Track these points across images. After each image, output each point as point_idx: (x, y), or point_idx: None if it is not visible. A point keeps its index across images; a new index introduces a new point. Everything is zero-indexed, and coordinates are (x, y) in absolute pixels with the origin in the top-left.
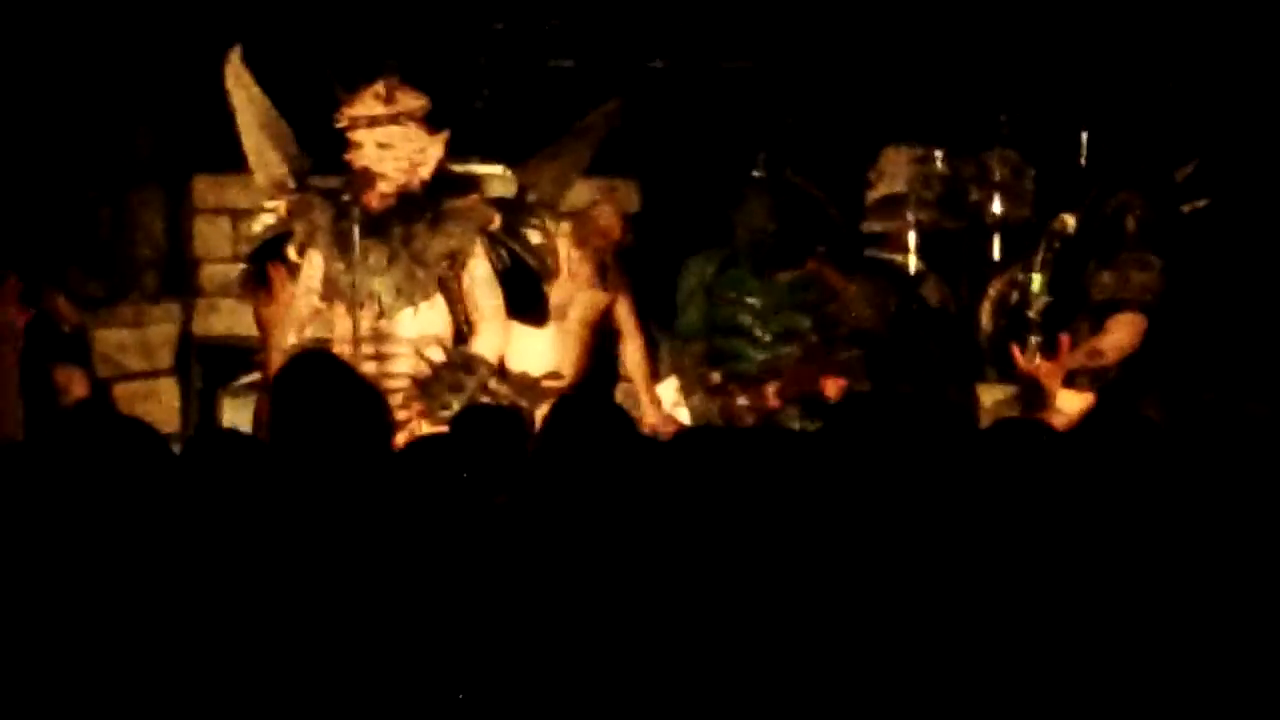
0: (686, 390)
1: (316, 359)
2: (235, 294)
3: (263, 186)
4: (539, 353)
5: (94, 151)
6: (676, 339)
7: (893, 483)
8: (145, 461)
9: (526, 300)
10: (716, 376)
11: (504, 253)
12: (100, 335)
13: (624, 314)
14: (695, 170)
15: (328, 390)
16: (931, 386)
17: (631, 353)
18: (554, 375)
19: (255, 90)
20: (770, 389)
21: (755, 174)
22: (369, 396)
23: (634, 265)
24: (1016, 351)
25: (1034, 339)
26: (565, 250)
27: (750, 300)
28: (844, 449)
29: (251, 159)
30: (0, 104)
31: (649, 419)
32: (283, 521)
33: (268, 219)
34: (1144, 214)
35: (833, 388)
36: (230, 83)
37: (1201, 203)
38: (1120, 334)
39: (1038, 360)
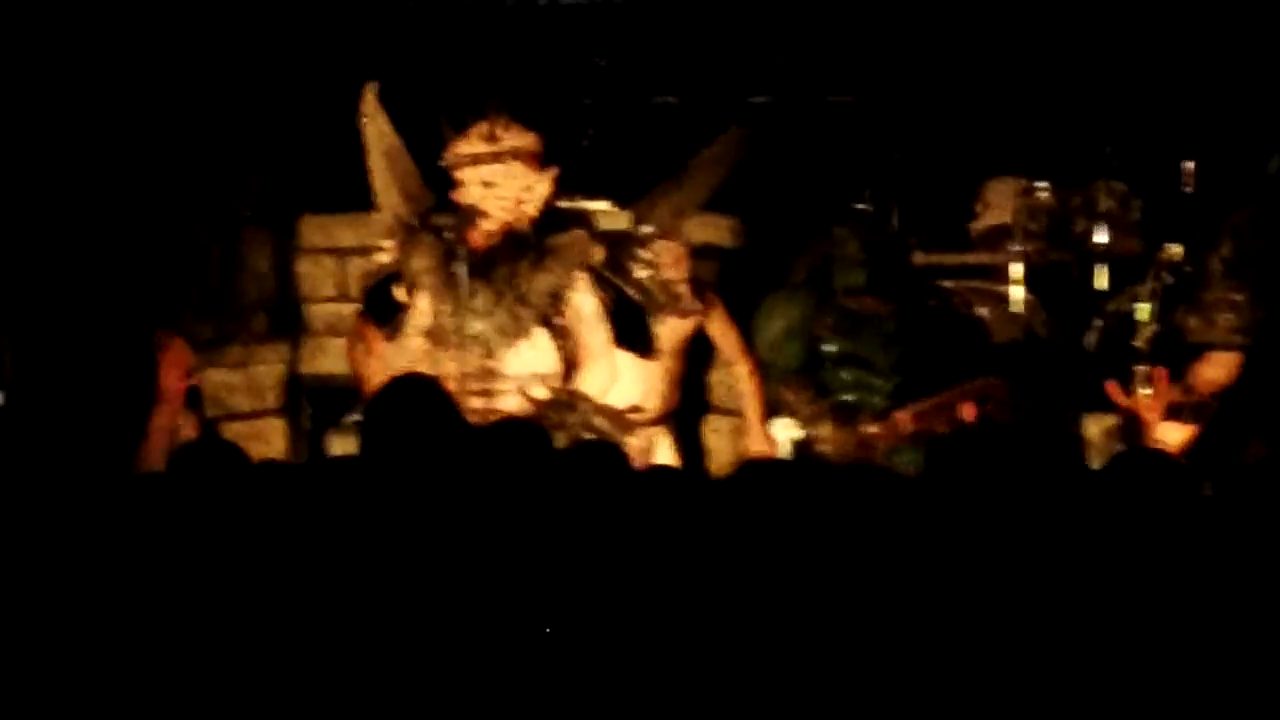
0: (807, 421)
1: (413, 383)
2: (343, 333)
3: (386, 225)
4: (631, 384)
5: (205, 195)
6: (774, 377)
7: (997, 517)
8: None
9: (633, 334)
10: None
11: (610, 289)
12: (208, 376)
13: (724, 339)
14: (798, 206)
15: (422, 415)
16: (1043, 418)
17: (741, 379)
18: (636, 409)
19: (387, 126)
20: (904, 416)
21: (858, 206)
22: (459, 423)
23: (733, 300)
24: (1113, 387)
25: (1141, 369)
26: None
27: (861, 335)
28: (946, 486)
29: (379, 197)
30: (113, 149)
31: (756, 447)
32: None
33: (382, 258)
34: (1235, 247)
35: (970, 413)
36: (364, 120)
37: None
38: (1212, 371)
39: (1140, 393)
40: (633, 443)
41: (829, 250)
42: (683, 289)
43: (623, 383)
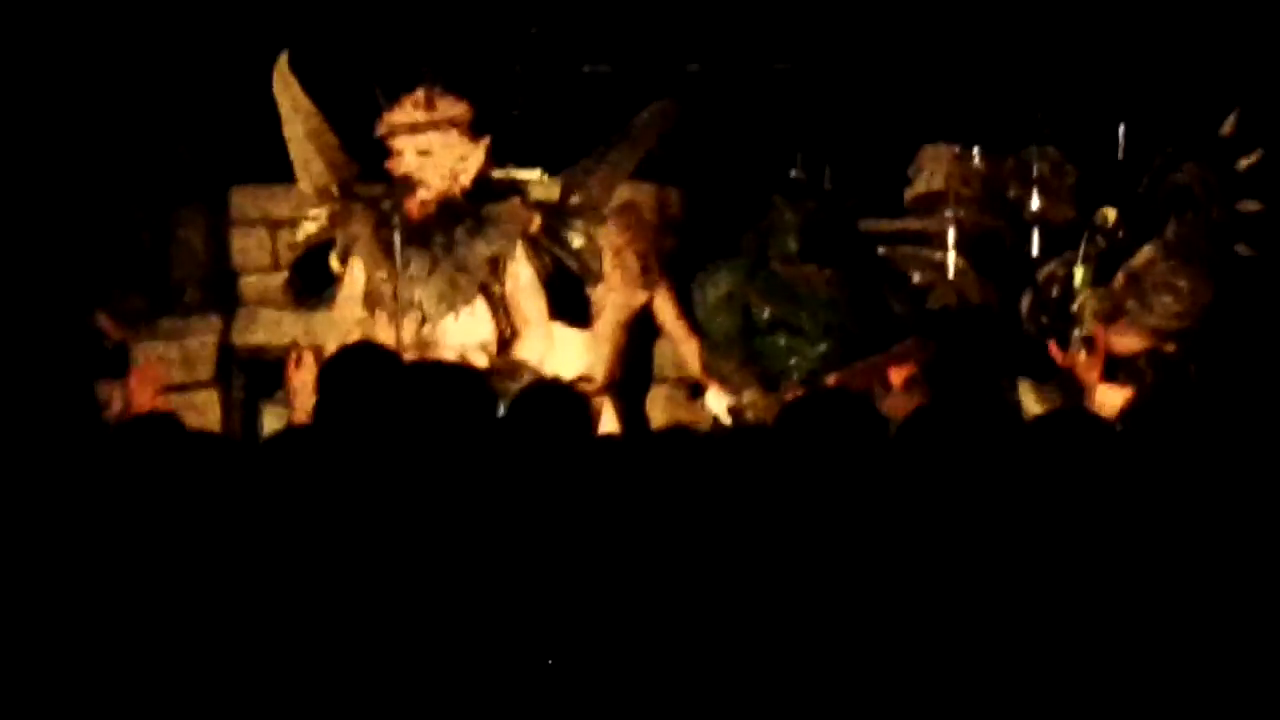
0: (735, 388)
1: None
2: (275, 304)
3: (307, 194)
4: (576, 353)
5: (135, 169)
6: (709, 346)
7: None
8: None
9: (569, 304)
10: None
11: (546, 257)
12: (141, 348)
13: (670, 315)
14: (732, 175)
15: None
16: (975, 385)
17: (691, 354)
18: (586, 379)
19: (302, 97)
20: (830, 380)
21: (792, 174)
22: (417, 386)
23: (677, 270)
24: (1054, 346)
25: (1077, 333)
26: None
27: (794, 301)
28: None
29: (297, 166)
30: (41, 125)
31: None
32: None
33: (309, 227)
34: (1178, 227)
35: (898, 376)
36: (278, 89)
37: (1255, 156)
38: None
39: (1078, 354)
40: None
41: (766, 219)
42: (633, 261)
43: (561, 353)
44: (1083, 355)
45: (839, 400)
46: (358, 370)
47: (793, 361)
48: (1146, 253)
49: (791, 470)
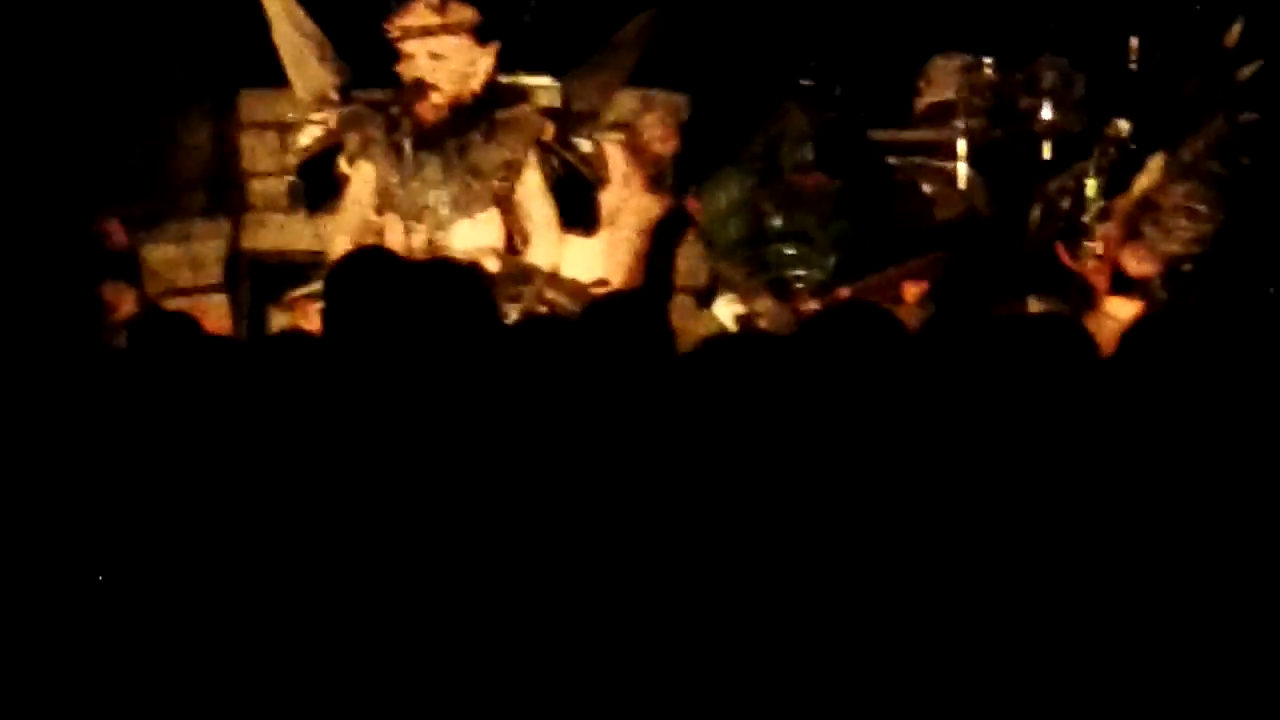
0: (745, 296)
1: (372, 255)
2: (284, 208)
3: (304, 99)
4: (591, 260)
5: (138, 72)
6: (717, 253)
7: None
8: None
9: (579, 209)
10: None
11: (556, 162)
12: (149, 252)
13: (679, 222)
14: (742, 81)
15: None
16: (985, 295)
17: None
18: (602, 282)
19: (291, 3)
20: (844, 292)
21: (803, 82)
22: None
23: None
24: (1062, 250)
25: (1088, 243)
26: (618, 158)
27: (805, 210)
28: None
29: (290, 71)
30: (36, 31)
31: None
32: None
33: (315, 131)
34: (1197, 148)
35: (912, 292)
36: None
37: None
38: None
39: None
40: None
41: (778, 126)
42: (654, 168)
43: (589, 256)
44: (1092, 263)
45: (863, 314)
46: (365, 275)
47: (802, 272)
48: (1155, 172)
49: (811, 385)
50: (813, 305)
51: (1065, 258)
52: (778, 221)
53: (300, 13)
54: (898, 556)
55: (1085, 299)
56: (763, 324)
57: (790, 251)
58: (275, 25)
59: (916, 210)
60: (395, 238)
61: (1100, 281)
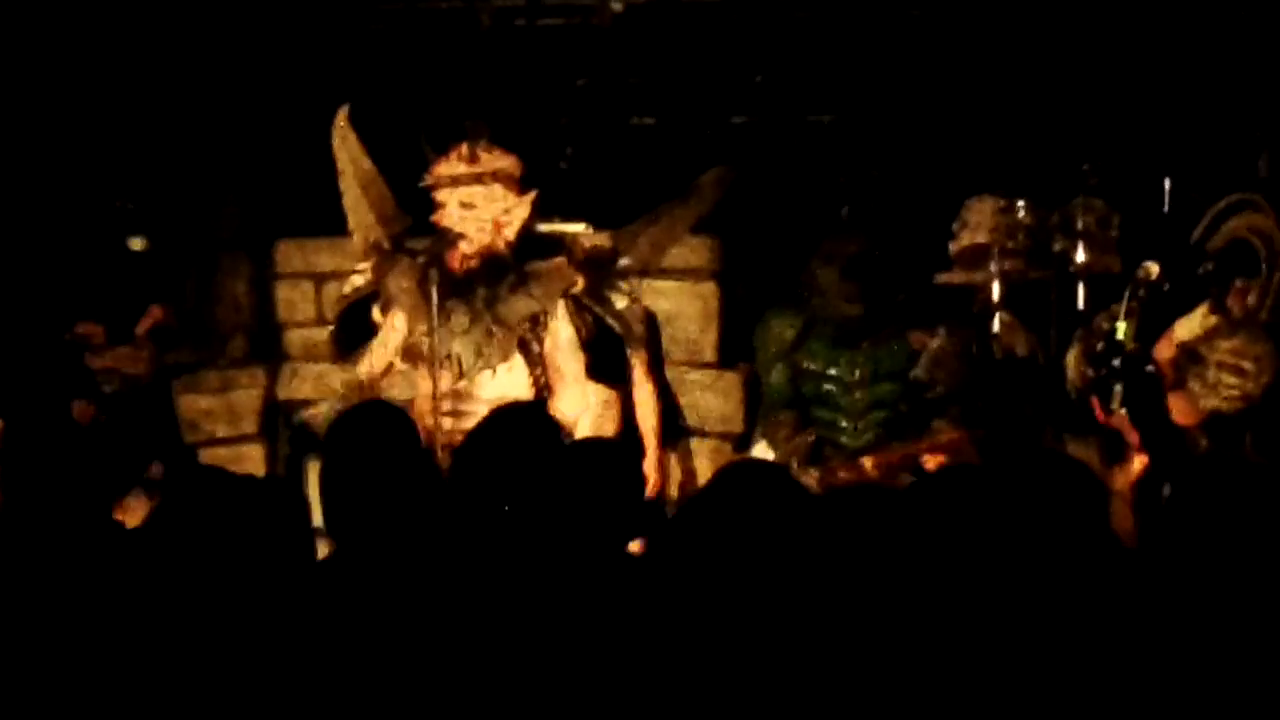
0: (784, 456)
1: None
2: (320, 357)
3: (359, 248)
4: (612, 416)
5: (181, 220)
6: (764, 408)
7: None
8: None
9: (609, 364)
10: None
11: (588, 316)
12: (186, 401)
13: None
14: (779, 225)
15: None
16: (1022, 439)
17: (640, 401)
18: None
19: (359, 151)
20: (868, 462)
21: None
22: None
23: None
24: (1096, 403)
25: (1119, 388)
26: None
27: (835, 372)
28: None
29: (351, 220)
30: (91, 174)
31: (651, 476)
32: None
33: (356, 280)
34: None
35: (933, 464)
36: (336, 143)
37: None
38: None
39: (1120, 411)
40: None
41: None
42: None
43: (596, 413)
44: (1125, 416)
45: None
46: (368, 430)
47: (843, 441)
48: (1200, 319)
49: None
50: (843, 475)
51: (1099, 411)
52: (811, 384)
53: (368, 162)
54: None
55: (1117, 445)
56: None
57: (825, 416)
58: (342, 173)
59: (954, 356)
60: (424, 387)
61: (1134, 436)
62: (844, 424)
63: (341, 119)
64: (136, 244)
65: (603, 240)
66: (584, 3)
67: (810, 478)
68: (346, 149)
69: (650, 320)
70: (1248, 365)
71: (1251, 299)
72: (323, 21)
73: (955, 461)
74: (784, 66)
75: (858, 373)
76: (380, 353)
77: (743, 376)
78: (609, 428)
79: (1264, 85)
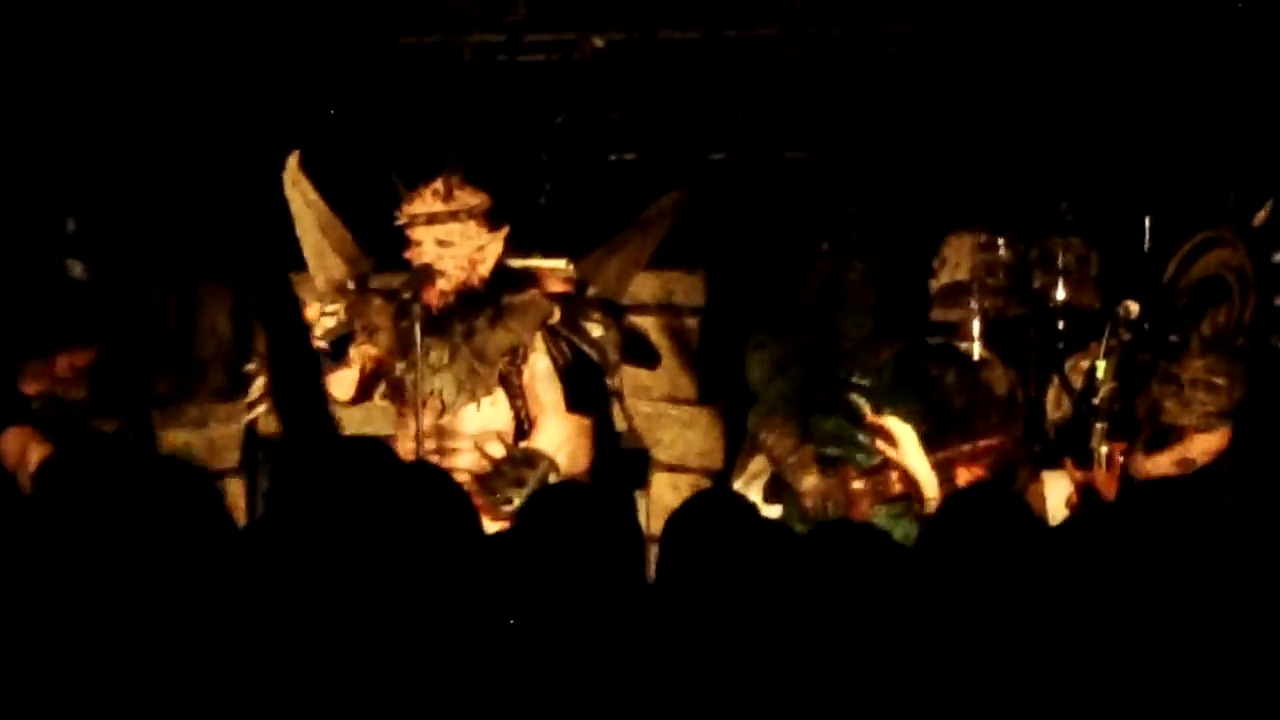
0: (795, 472)
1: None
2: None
3: (323, 290)
4: (591, 446)
5: (161, 251)
6: (763, 417)
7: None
8: None
9: (587, 394)
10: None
11: (565, 346)
12: (167, 435)
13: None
14: (759, 260)
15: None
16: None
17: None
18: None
19: (313, 194)
20: (894, 474)
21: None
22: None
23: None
24: (1070, 463)
25: (1099, 426)
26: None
27: (860, 381)
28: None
29: (310, 263)
30: (69, 204)
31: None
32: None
33: (328, 323)
34: (1215, 323)
35: (965, 476)
36: (288, 188)
37: None
38: (1206, 442)
39: (1101, 458)
40: None
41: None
42: None
43: (577, 442)
44: (1101, 472)
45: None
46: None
47: (859, 457)
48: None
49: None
50: (859, 485)
51: (1071, 470)
52: (829, 395)
53: (323, 205)
54: None
55: (1092, 501)
56: (807, 503)
57: (838, 432)
58: (297, 218)
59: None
60: (405, 423)
61: (1110, 491)
62: (864, 439)
63: (292, 165)
64: (76, 269)
65: (568, 271)
66: (565, 39)
67: (812, 477)
68: (300, 193)
69: (633, 338)
70: (1220, 381)
71: (1221, 317)
72: (303, 56)
73: (996, 469)
74: (762, 102)
75: (880, 381)
76: (339, 386)
77: (721, 412)
78: (582, 459)
79: (1234, 120)
